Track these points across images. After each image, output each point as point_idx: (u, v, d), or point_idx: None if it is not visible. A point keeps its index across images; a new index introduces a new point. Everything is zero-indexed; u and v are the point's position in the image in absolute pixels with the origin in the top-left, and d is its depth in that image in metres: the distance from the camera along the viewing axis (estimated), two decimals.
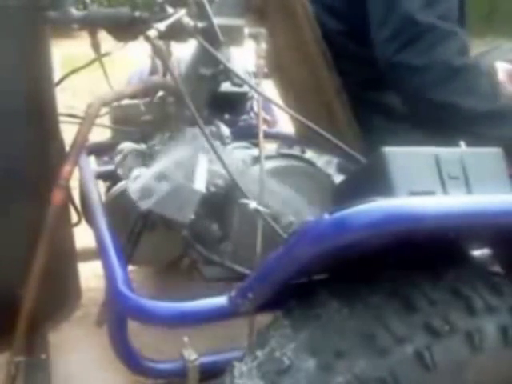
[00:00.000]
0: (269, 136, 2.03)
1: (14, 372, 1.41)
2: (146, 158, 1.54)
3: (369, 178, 1.14)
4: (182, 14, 1.35)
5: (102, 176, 1.86)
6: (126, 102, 1.72)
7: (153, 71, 1.96)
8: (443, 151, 1.14)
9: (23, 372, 1.44)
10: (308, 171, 1.55)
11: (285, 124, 2.18)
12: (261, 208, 1.31)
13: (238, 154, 1.56)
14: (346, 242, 1.00)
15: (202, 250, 1.50)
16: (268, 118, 2.19)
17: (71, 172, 1.38)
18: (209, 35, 1.40)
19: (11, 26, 1.35)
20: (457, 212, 1.03)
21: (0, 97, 1.36)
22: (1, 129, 1.37)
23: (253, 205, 1.31)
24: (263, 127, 1.99)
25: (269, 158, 1.51)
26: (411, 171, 1.11)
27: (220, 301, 1.18)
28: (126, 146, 1.61)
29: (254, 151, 1.56)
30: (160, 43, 1.34)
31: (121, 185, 1.66)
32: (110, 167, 1.78)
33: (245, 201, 1.33)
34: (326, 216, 1.01)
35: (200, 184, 1.43)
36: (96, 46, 1.54)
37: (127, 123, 1.77)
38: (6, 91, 1.37)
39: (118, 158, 1.60)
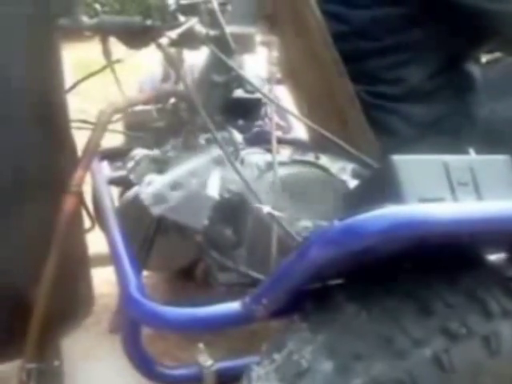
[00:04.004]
0: (283, 142, 2.03)
1: (25, 379, 1.41)
2: (158, 164, 1.54)
3: (379, 186, 1.14)
4: (193, 23, 1.35)
5: (114, 181, 1.86)
6: (138, 107, 1.73)
7: (165, 78, 1.96)
8: (452, 158, 1.15)
9: (35, 379, 1.44)
10: (322, 177, 1.54)
11: (299, 130, 2.18)
12: (275, 213, 1.31)
13: (251, 159, 1.56)
14: (356, 248, 1.00)
15: (217, 256, 1.50)
16: (282, 123, 2.18)
17: (83, 178, 1.39)
18: (221, 43, 1.41)
19: (23, 33, 1.35)
20: (467, 218, 1.03)
21: (12, 103, 1.37)
22: (13, 135, 1.38)
23: (267, 209, 1.31)
24: (278, 133, 2.00)
25: (283, 164, 1.52)
26: (421, 178, 1.11)
27: (235, 307, 1.18)
28: (139, 152, 1.61)
29: (268, 157, 1.56)
30: (172, 51, 1.34)
31: (134, 190, 1.67)
32: (123, 172, 1.79)
33: (259, 205, 1.33)
34: (337, 222, 1.01)
35: (213, 190, 1.43)
36: (107, 52, 1.54)
37: (140, 129, 1.77)
38: (18, 97, 1.37)
39: (130, 164, 1.60)
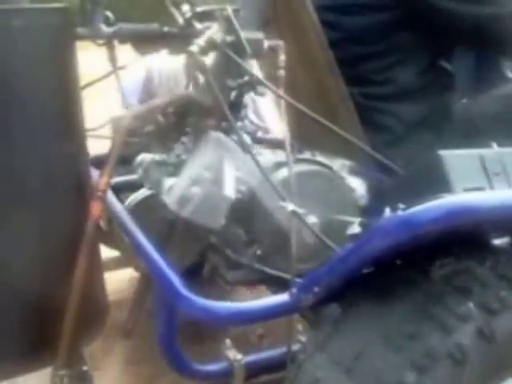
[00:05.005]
0: (267, 142, 2.08)
1: None
2: (172, 168, 1.57)
3: (425, 178, 1.24)
4: (215, 29, 1.40)
5: (116, 187, 1.87)
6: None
7: (146, 84, 1.99)
8: (486, 152, 1.27)
9: None
10: (327, 174, 1.61)
11: (276, 131, 2.23)
12: (299, 210, 1.38)
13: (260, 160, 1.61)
14: (417, 236, 1.09)
15: (232, 255, 1.54)
16: (261, 124, 2.24)
17: (108, 183, 1.41)
18: (234, 48, 1.46)
19: (42, 43, 1.37)
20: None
21: (30, 111, 1.38)
22: (30, 144, 1.39)
23: (291, 207, 1.38)
24: (259, 134, 2.07)
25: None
26: (463, 171, 1.22)
27: (282, 298, 1.24)
28: (146, 157, 1.63)
29: (272, 157, 1.61)
30: (201, 57, 1.38)
31: (140, 193, 1.69)
32: (122, 178, 1.81)
33: (282, 203, 1.39)
34: (399, 212, 1.10)
35: (230, 190, 1.48)
36: (113, 59, 1.57)
37: (130, 135, 1.79)
38: (36, 106, 1.38)
39: (139, 170, 1.62)
